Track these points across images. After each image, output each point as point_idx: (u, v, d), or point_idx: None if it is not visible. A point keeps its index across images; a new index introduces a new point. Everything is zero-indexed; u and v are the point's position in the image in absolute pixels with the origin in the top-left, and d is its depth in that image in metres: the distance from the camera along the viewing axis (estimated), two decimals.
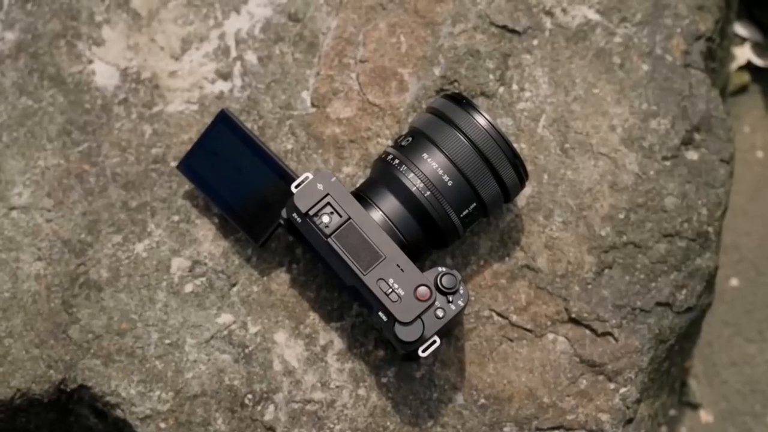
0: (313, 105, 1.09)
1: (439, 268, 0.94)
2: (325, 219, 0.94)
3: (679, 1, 1.13)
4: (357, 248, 0.93)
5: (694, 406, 1.40)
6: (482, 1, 1.12)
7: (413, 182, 0.96)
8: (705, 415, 1.39)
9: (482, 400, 1.02)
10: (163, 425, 1.01)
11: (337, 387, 1.02)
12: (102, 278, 1.05)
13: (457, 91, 1.07)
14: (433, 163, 0.96)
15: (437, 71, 1.10)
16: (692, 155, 1.10)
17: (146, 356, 1.02)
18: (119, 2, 1.13)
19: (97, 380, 1.02)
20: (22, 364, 1.02)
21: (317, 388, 1.01)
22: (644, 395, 1.05)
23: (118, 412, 1.01)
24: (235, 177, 1.03)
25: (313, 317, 1.03)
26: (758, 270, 1.45)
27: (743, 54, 1.54)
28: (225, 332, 1.03)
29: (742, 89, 1.54)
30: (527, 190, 1.06)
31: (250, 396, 1.01)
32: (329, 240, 0.94)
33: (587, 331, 1.04)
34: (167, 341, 1.03)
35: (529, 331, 1.04)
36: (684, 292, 1.06)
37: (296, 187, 0.95)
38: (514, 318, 1.04)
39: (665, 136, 1.09)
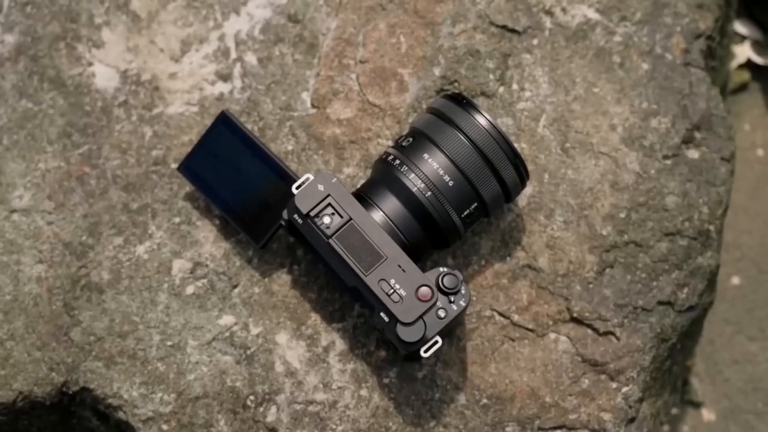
0: (313, 106, 1.09)
1: (441, 269, 0.94)
2: (326, 220, 0.94)
3: None
4: (358, 249, 0.93)
5: (697, 405, 1.40)
6: (482, 1, 1.12)
7: (414, 183, 0.96)
8: (707, 414, 1.39)
9: (484, 400, 1.02)
10: (165, 427, 1.01)
11: (339, 388, 1.02)
12: (103, 280, 1.05)
13: (457, 91, 1.07)
14: (433, 164, 0.96)
15: (437, 71, 1.10)
16: (693, 154, 1.10)
17: (148, 358, 1.02)
18: (119, 4, 1.13)
19: (99, 382, 1.02)
20: (24, 366, 1.02)
21: (319, 389, 1.01)
22: (646, 394, 1.05)
23: (121, 415, 1.01)
24: (235, 178, 1.03)
25: (314, 318, 1.03)
26: (759, 268, 1.45)
27: (743, 52, 1.54)
28: (227, 334, 1.03)
29: (742, 87, 1.54)
30: (528, 190, 1.06)
31: (252, 397, 1.01)
32: (330, 241, 0.94)
33: (589, 331, 1.04)
34: (169, 343, 1.03)
35: (531, 330, 1.04)
36: (685, 290, 1.06)
37: (297, 188, 0.95)
38: (515, 318, 1.04)
39: (666, 135, 1.09)
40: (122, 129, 1.09)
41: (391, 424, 1.01)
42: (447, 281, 0.94)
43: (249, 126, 1.08)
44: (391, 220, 0.96)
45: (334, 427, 1.01)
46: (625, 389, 1.03)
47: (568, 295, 1.04)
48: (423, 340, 0.93)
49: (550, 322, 1.04)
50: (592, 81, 1.10)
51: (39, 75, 1.11)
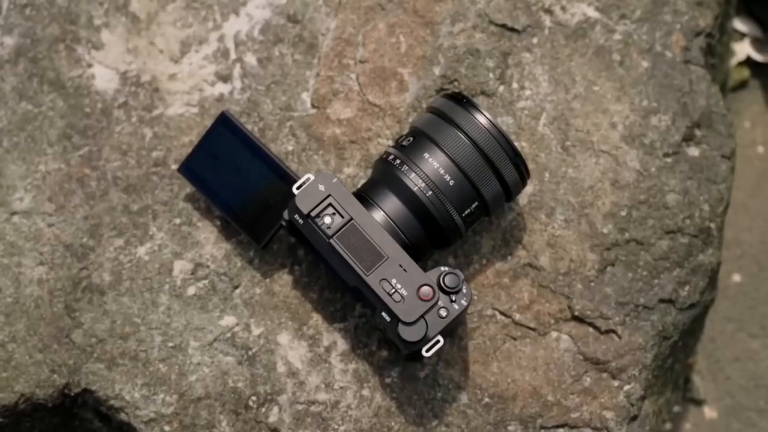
0: (313, 106, 1.09)
1: (442, 268, 0.94)
2: (327, 220, 0.94)
3: None
4: (359, 249, 0.93)
5: (698, 403, 1.40)
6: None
7: (415, 182, 0.96)
8: (709, 411, 1.39)
9: (486, 399, 1.02)
10: (167, 428, 1.01)
11: (341, 388, 1.02)
12: (104, 282, 1.05)
13: (457, 91, 1.07)
14: (434, 163, 0.96)
15: (437, 71, 1.10)
16: (693, 151, 1.10)
17: (150, 359, 1.02)
18: (118, 6, 1.13)
19: (101, 384, 1.02)
20: (25, 368, 1.02)
21: (321, 389, 1.01)
22: (648, 392, 1.05)
23: (123, 416, 1.01)
24: (236, 179, 1.03)
25: (316, 318, 1.03)
26: (760, 265, 1.45)
27: (743, 50, 1.54)
28: (228, 334, 1.03)
29: (742, 85, 1.54)
30: (529, 189, 1.06)
31: (254, 398, 1.01)
32: (331, 241, 0.93)
33: (590, 329, 1.04)
34: (170, 344, 1.03)
35: (533, 329, 1.04)
36: (687, 288, 1.06)
37: (297, 188, 0.95)
38: (517, 316, 1.04)
39: (666, 133, 1.09)
40: (122, 130, 1.09)
41: (393, 423, 1.01)
42: (448, 280, 0.94)
43: (249, 126, 1.08)
44: (391, 220, 0.96)
45: (336, 427, 1.01)
46: (627, 387, 1.03)
47: (570, 294, 1.04)
48: (425, 340, 0.93)
49: (552, 321, 1.04)
50: (592, 79, 1.10)
51: (39, 77, 1.11)
